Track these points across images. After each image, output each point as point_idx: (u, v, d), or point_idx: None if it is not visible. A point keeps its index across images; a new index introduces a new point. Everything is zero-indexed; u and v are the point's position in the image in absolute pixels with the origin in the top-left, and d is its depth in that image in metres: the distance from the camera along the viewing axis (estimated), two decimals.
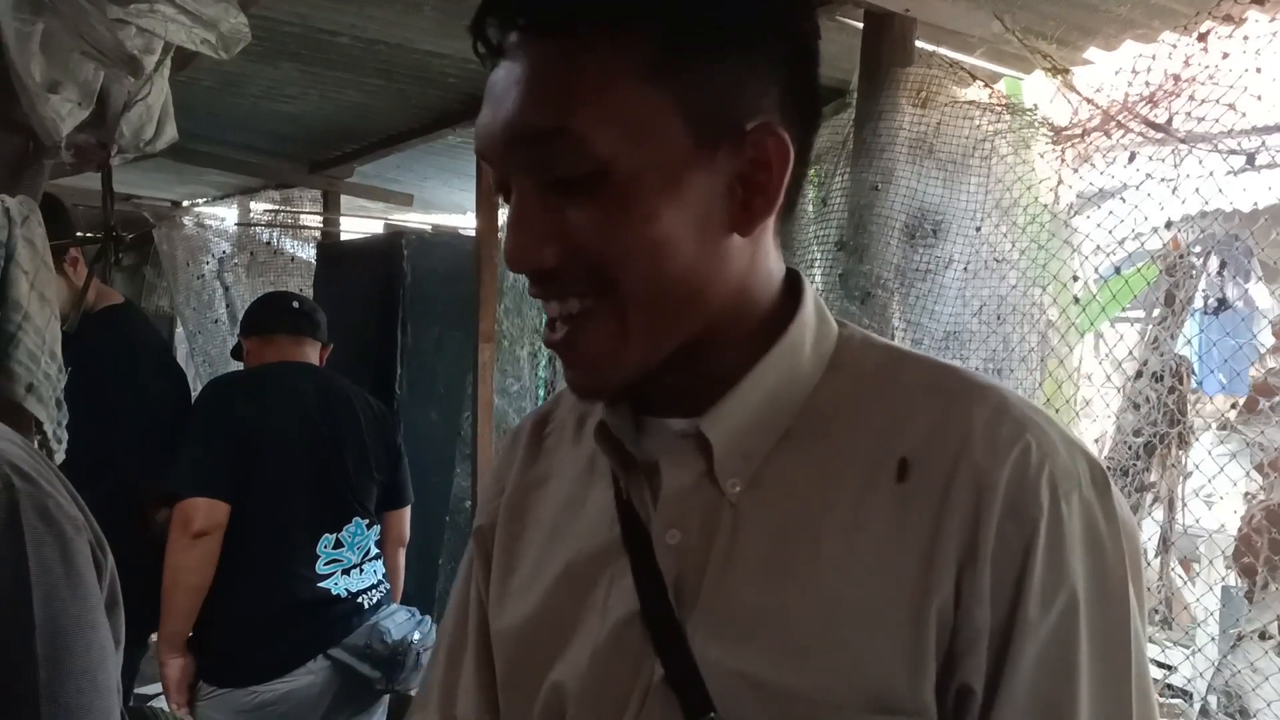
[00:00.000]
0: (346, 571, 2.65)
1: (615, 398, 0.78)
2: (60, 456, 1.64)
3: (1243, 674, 2.02)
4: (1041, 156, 2.40)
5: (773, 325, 0.76)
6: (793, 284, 0.80)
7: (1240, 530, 2.15)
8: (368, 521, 2.75)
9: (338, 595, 2.61)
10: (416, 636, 2.70)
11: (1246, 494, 2.11)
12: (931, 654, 0.67)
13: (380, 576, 2.78)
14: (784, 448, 0.74)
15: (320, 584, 2.58)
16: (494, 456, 3.99)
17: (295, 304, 2.91)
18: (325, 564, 2.61)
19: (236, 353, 2.96)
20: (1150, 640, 2.77)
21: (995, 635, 0.66)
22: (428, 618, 2.81)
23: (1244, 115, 1.90)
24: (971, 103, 2.49)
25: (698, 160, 0.69)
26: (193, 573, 2.43)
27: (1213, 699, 2.10)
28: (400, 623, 2.71)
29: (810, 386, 0.76)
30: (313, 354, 2.86)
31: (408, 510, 3.00)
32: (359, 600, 2.66)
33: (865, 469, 0.71)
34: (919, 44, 2.57)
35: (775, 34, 0.72)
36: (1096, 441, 2.38)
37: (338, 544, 2.65)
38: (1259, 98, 1.92)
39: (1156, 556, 2.61)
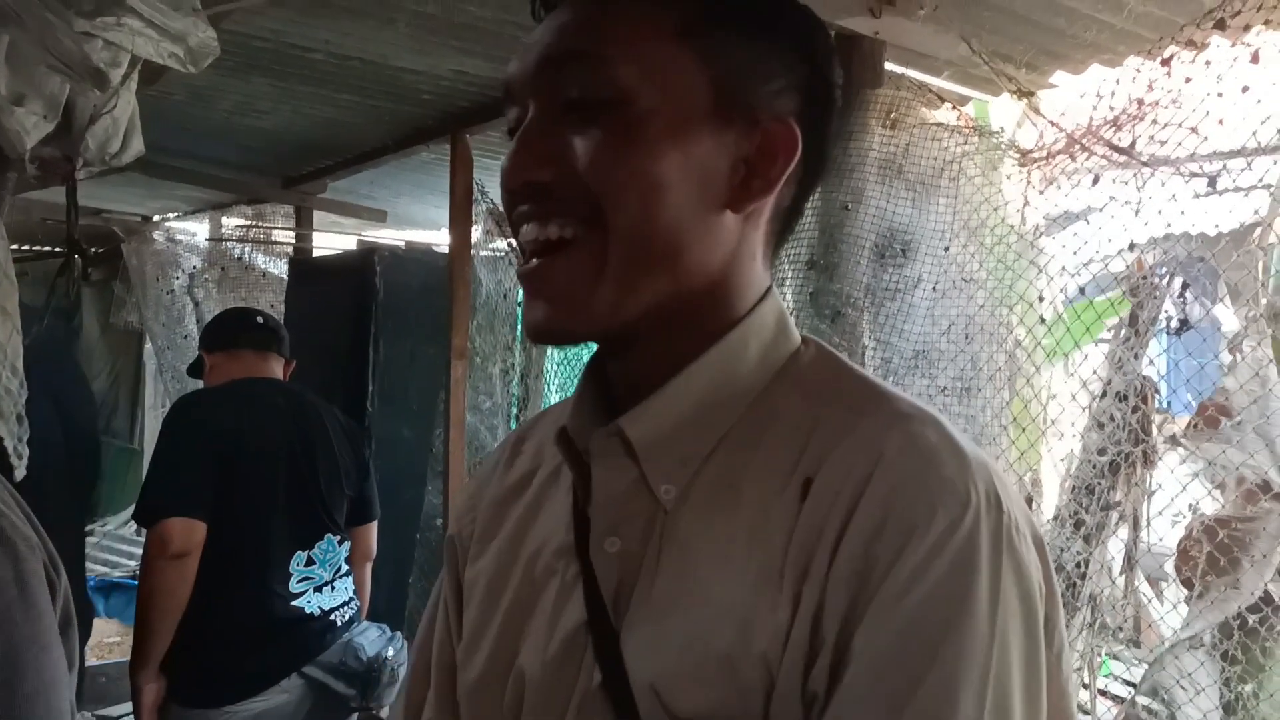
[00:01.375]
0: (319, 589, 2.63)
1: (574, 341, 0.76)
2: (21, 472, 1.61)
3: (1176, 683, 2.05)
4: (1008, 178, 2.43)
5: (732, 327, 0.76)
6: (766, 293, 0.80)
7: (1180, 544, 2.18)
8: (339, 538, 2.73)
9: (311, 613, 2.59)
10: (390, 653, 2.69)
11: (1190, 505, 2.13)
12: (789, 671, 0.65)
13: (351, 593, 2.76)
14: (716, 455, 0.74)
15: (293, 602, 2.56)
16: (465, 474, 3.97)
17: (260, 319, 2.88)
18: (298, 581, 2.59)
19: (195, 369, 2.92)
20: (1115, 658, 2.79)
21: (840, 644, 0.64)
22: (398, 634, 2.80)
23: (1206, 139, 1.93)
24: (940, 125, 2.52)
25: (712, 124, 0.72)
26: (170, 594, 2.39)
27: (1143, 700, 2.13)
28: (373, 639, 2.70)
29: (751, 395, 0.75)
30: (278, 369, 2.83)
31: (375, 525, 2.99)
32: (331, 617, 2.64)
33: (778, 485, 0.70)
34: (888, 66, 2.60)
35: (798, 35, 0.76)
36: (1063, 460, 2.40)
37: (309, 561, 2.63)
38: (1220, 122, 1.94)
39: (1121, 574, 2.63)
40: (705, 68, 0.72)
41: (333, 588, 2.67)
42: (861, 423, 0.70)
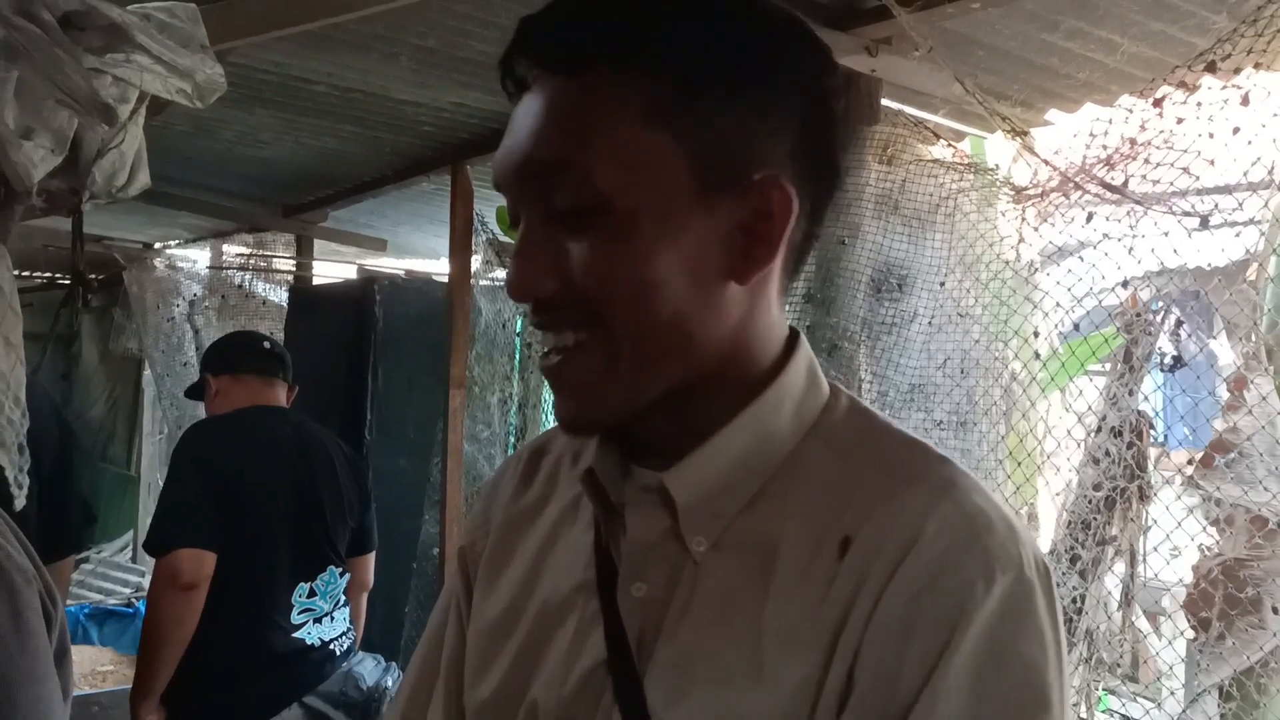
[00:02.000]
0: (318, 620, 2.63)
1: (600, 433, 0.79)
2: (21, 502, 1.62)
3: None
4: (1003, 214, 2.46)
5: (762, 383, 0.76)
6: (790, 344, 0.79)
7: (1195, 584, 2.18)
8: (340, 569, 2.74)
9: (311, 644, 2.59)
10: (389, 683, 2.69)
11: (1200, 546, 2.14)
12: None
13: (348, 624, 2.76)
14: (750, 510, 0.74)
15: (294, 634, 2.56)
16: (462, 503, 3.97)
17: (266, 344, 2.88)
18: (299, 613, 2.59)
19: (195, 392, 2.90)
20: (1113, 693, 2.78)
21: (898, 706, 0.65)
22: (394, 664, 2.79)
23: (1197, 179, 1.96)
24: (936, 161, 2.55)
25: (699, 205, 0.71)
26: (179, 625, 2.38)
27: None
28: (370, 669, 2.70)
29: (785, 452, 0.75)
30: (283, 396, 2.84)
31: (373, 556, 2.99)
32: (331, 648, 2.64)
33: (815, 540, 0.71)
34: (885, 103, 2.63)
35: (790, 87, 0.73)
36: (1058, 495, 2.41)
37: (311, 593, 2.63)
38: (1211, 162, 1.97)
39: (1119, 610, 2.63)
40: (681, 149, 0.70)
41: (332, 618, 2.67)
42: (904, 489, 0.70)
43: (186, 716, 2.44)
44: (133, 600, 5.77)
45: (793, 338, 0.80)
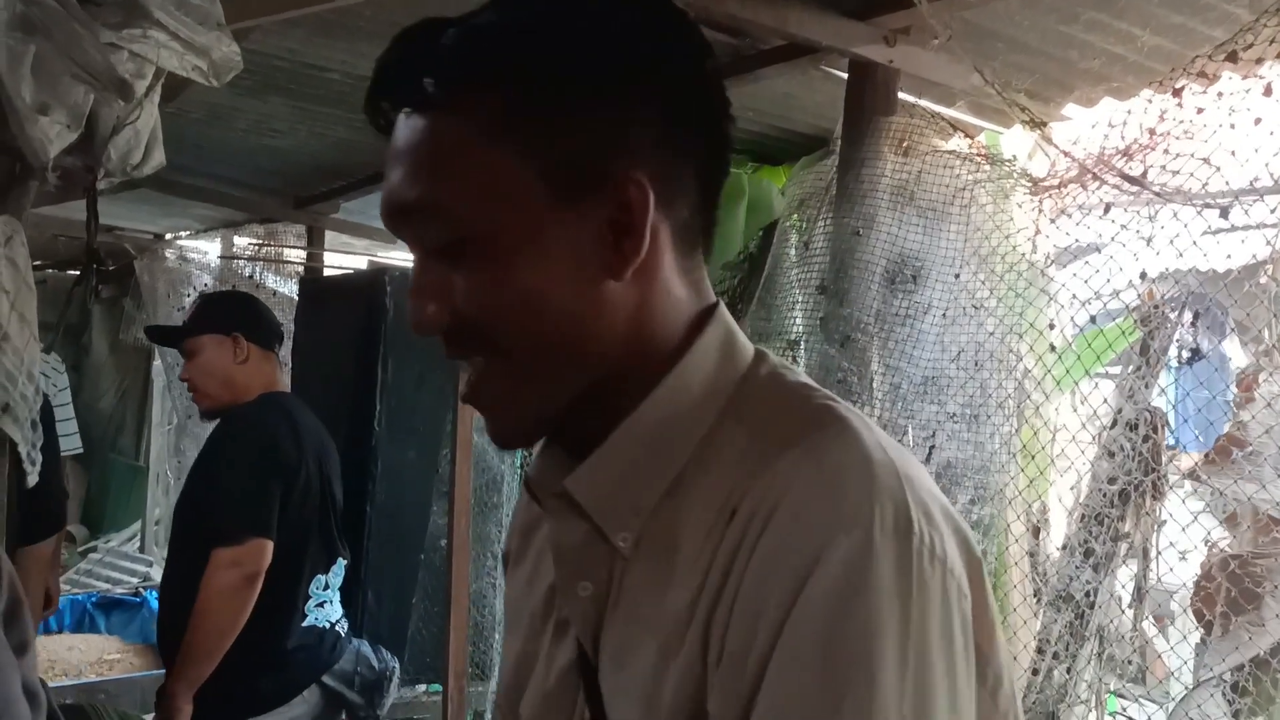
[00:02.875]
0: (321, 605, 2.65)
1: (525, 445, 0.80)
2: (34, 479, 1.62)
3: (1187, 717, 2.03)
4: (1020, 207, 2.44)
5: (667, 368, 0.75)
6: (702, 321, 0.77)
7: (1202, 579, 2.16)
8: (346, 560, 2.76)
9: (323, 628, 2.62)
10: (392, 662, 2.78)
11: (1207, 541, 2.12)
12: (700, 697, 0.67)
13: (342, 607, 2.78)
14: (669, 498, 0.73)
15: (306, 621, 2.59)
16: (470, 496, 3.97)
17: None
18: (315, 605, 2.61)
19: (184, 333, 2.69)
20: (1120, 695, 2.77)
21: (747, 686, 0.64)
22: (379, 646, 2.85)
23: (1218, 170, 1.94)
24: (952, 153, 2.54)
25: (559, 213, 0.71)
26: (240, 616, 2.39)
27: None
28: (369, 650, 2.75)
29: (701, 432, 0.74)
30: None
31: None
32: (337, 629, 2.68)
33: (709, 520, 0.70)
34: (901, 95, 2.62)
35: (643, 75, 0.72)
36: (1071, 489, 2.39)
37: (325, 585, 2.65)
38: (1233, 153, 1.95)
39: (1130, 608, 2.62)
40: (528, 163, 0.70)
41: (332, 603, 2.70)
42: (777, 455, 0.69)
43: (214, 701, 2.43)
44: (140, 589, 5.78)
45: (707, 313, 0.78)
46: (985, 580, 0.70)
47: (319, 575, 2.62)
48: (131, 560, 6.45)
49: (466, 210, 0.70)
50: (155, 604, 4.87)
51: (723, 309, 0.79)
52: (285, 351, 5.15)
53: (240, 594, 2.37)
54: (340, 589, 2.76)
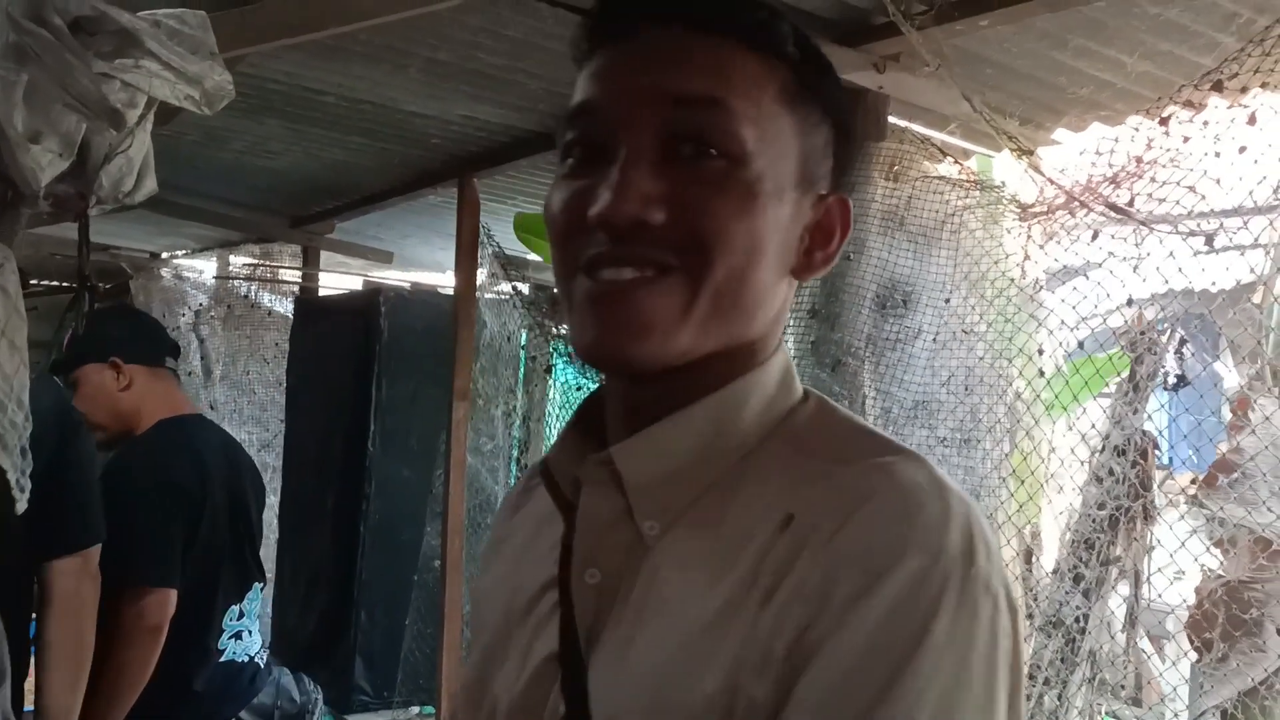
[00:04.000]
0: (238, 636, 2.51)
1: (652, 370, 0.72)
2: (22, 506, 1.62)
3: None
4: (1009, 232, 2.46)
5: (739, 375, 0.77)
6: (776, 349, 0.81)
7: (1198, 605, 2.16)
8: (262, 585, 2.63)
9: (241, 662, 2.49)
10: (314, 691, 2.65)
11: (1203, 566, 2.12)
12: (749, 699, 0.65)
13: (260, 636, 2.65)
14: (704, 499, 0.73)
15: (223, 657, 2.45)
16: (464, 515, 3.97)
17: (169, 335, 2.65)
18: (228, 637, 2.47)
19: (66, 367, 2.47)
20: (1115, 716, 2.76)
21: (790, 667, 0.64)
22: (301, 675, 2.72)
23: (1203, 198, 1.95)
24: (942, 178, 2.55)
25: (796, 194, 0.75)
26: (145, 667, 2.24)
27: None
28: (290, 681, 2.62)
29: (745, 449, 0.75)
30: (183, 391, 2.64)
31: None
32: (256, 661, 2.54)
33: (758, 522, 0.70)
34: (892, 120, 2.64)
35: (836, 110, 0.79)
36: (1062, 514, 2.40)
37: (240, 614, 2.51)
38: (1218, 181, 1.97)
39: (1123, 631, 2.62)
40: (797, 137, 0.74)
41: (251, 633, 2.56)
42: (846, 469, 0.70)
43: None
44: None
45: (777, 345, 0.82)
46: (1019, 620, 0.70)
47: (232, 606, 2.47)
48: None
49: (756, 141, 0.71)
50: None
51: (785, 346, 0.82)
52: (272, 369, 5.19)
53: (144, 648, 2.23)
54: (258, 614, 2.63)
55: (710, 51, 0.72)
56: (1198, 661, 2.17)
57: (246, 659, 2.52)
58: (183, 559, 2.33)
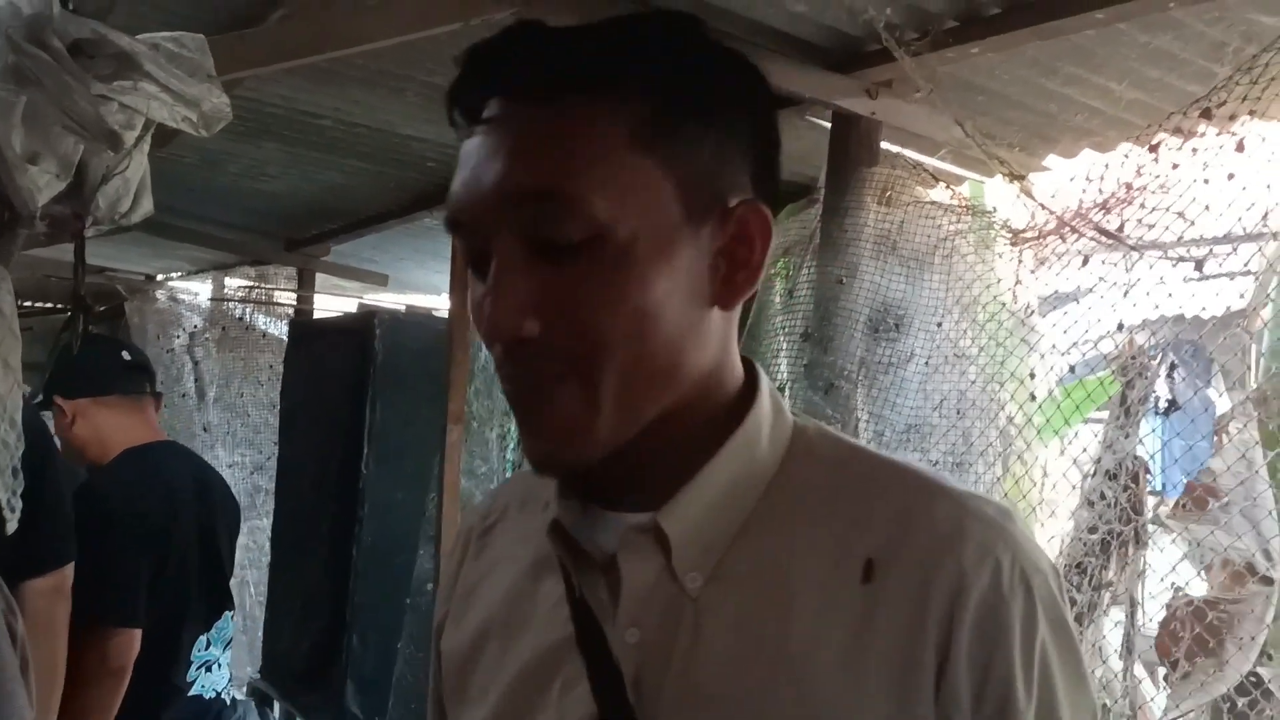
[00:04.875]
0: (208, 667, 2.46)
1: (575, 473, 0.75)
2: (13, 526, 1.62)
3: None
4: (1000, 257, 2.47)
5: (732, 413, 0.76)
6: (750, 373, 0.79)
7: (1167, 624, 2.17)
8: (232, 613, 2.59)
9: (209, 698, 2.44)
10: None
11: (1173, 585, 2.13)
12: None
13: (230, 668, 2.61)
14: (743, 538, 0.73)
15: (190, 692, 2.40)
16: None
17: (126, 354, 2.56)
18: (196, 669, 2.43)
19: (48, 401, 2.45)
20: None
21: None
22: (269, 711, 2.70)
23: (1192, 224, 1.97)
24: (934, 203, 2.57)
25: (687, 231, 0.70)
26: (112, 710, 2.20)
27: None
28: (254, 713, 2.60)
29: (768, 477, 0.75)
30: (154, 415, 2.56)
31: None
32: (223, 696, 2.51)
33: (829, 564, 0.71)
34: (884, 145, 2.66)
35: (747, 112, 0.74)
36: (1053, 539, 2.40)
37: (207, 644, 2.46)
38: (1207, 208, 1.99)
39: (1119, 657, 2.61)
40: (668, 174, 0.69)
41: (219, 665, 2.51)
42: (914, 507, 0.71)
43: None
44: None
45: (749, 364, 0.80)
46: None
47: (200, 636, 2.42)
48: None
49: (608, 211, 0.67)
50: None
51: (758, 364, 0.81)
52: (266, 391, 5.18)
53: (108, 690, 2.19)
54: (228, 647, 2.58)
55: (549, 124, 0.68)
56: (1165, 678, 2.18)
57: (214, 694, 2.47)
58: (150, 592, 2.28)
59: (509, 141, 0.69)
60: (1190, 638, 2.00)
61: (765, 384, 0.79)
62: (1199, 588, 2.16)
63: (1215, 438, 2.19)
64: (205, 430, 5.26)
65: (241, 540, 5.29)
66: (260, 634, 4.49)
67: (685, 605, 0.72)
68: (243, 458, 5.20)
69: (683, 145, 0.70)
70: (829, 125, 2.68)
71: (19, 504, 1.60)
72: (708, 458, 0.74)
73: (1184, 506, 2.14)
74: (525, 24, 0.70)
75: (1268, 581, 2.16)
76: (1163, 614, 2.24)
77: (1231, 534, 2.01)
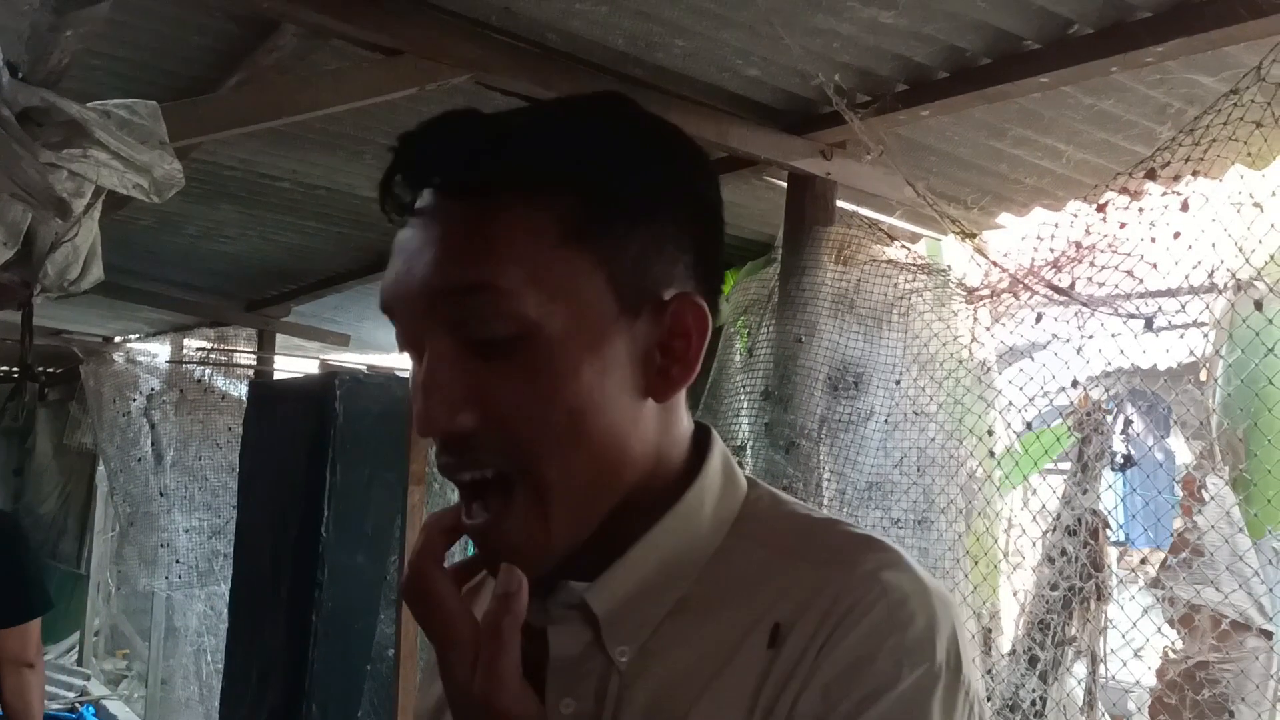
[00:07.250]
0: None
1: (539, 574, 0.74)
2: None
3: None
4: (956, 314, 2.50)
5: (674, 489, 0.75)
6: (700, 442, 0.78)
7: (1159, 687, 2.16)
8: None
9: None
10: None
11: (1165, 648, 2.13)
12: None
13: None
14: (678, 615, 0.73)
15: None
16: None
17: None
18: None
19: None
20: None
21: None
22: None
23: (1140, 281, 2.00)
24: (889, 261, 2.60)
25: (619, 325, 0.69)
26: None
27: None
28: None
29: (709, 552, 0.74)
30: None
31: (29, 626, 2.77)
32: None
33: (742, 632, 0.70)
34: (840, 204, 2.69)
35: (685, 200, 0.74)
36: (1016, 595, 2.40)
37: None
38: (1154, 265, 2.02)
39: (1081, 714, 2.61)
40: (599, 267, 0.68)
41: None
42: (832, 574, 0.70)
43: None
44: (76, 705, 5.57)
45: (703, 434, 0.79)
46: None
47: None
48: (69, 674, 6.22)
49: (538, 307, 0.66)
50: None
51: (715, 432, 0.80)
52: (225, 454, 5.10)
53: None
54: None
55: (478, 220, 0.67)
56: None
57: None
58: None
59: (439, 235, 0.68)
60: (1186, 701, 1.99)
61: (717, 455, 0.78)
62: (1166, 642, 2.16)
63: (1182, 489, 2.20)
64: (162, 494, 5.17)
65: (198, 607, 5.21)
66: (217, 703, 4.37)
67: (613, 677, 0.72)
68: (201, 522, 5.11)
69: (615, 239, 0.69)
70: (785, 185, 2.72)
71: None
72: (645, 532, 0.73)
73: (1166, 565, 2.15)
74: (457, 114, 0.69)
75: (1266, 635, 2.17)
76: (1129, 668, 2.23)
77: (1210, 586, 2.02)
